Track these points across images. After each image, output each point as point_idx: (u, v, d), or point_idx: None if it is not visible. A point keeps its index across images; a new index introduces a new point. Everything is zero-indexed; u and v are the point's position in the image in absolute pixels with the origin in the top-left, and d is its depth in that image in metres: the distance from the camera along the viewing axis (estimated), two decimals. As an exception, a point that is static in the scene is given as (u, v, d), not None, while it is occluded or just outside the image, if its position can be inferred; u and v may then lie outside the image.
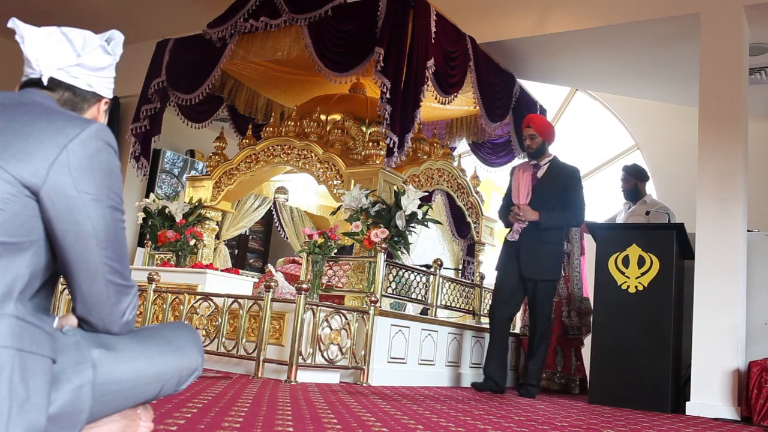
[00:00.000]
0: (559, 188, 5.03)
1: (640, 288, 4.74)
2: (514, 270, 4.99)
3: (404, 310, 5.56)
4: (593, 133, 8.76)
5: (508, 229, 5.19)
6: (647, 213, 5.69)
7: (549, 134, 5.18)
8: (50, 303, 1.38)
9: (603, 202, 7.93)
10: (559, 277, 5.14)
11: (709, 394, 4.58)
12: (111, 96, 1.52)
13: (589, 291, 6.06)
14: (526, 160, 5.34)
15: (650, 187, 7.80)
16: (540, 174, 5.11)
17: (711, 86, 5.08)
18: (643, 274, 4.75)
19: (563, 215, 4.98)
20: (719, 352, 4.62)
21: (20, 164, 1.19)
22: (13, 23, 1.39)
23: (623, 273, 4.80)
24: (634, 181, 6.06)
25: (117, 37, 1.50)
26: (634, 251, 4.80)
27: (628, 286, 4.77)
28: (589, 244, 5.70)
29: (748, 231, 4.97)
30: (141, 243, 7.81)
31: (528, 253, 4.96)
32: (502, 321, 5.03)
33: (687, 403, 4.65)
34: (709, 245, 4.80)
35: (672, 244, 4.73)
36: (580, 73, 7.03)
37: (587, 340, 5.95)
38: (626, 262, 4.81)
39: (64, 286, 4.80)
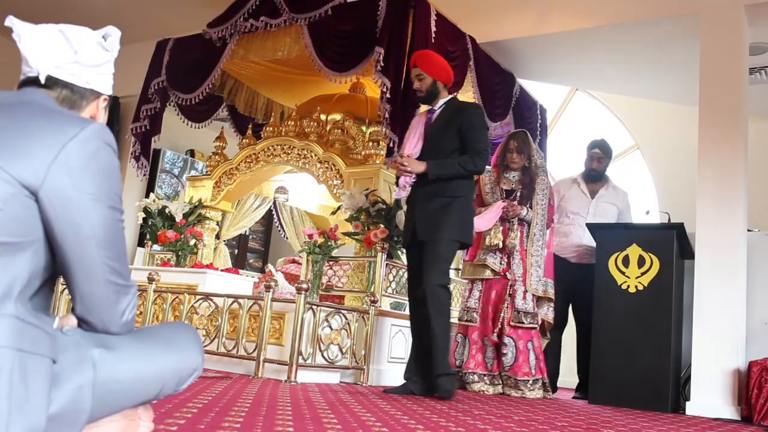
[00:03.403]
0: (453, 131, 4.09)
1: (641, 288, 4.74)
2: (414, 244, 4.10)
3: (404, 310, 5.55)
4: (593, 132, 8.74)
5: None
6: (647, 212, 5.67)
7: (440, 71, 4.20)
8: (50, 303, 1.37)
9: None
10: (465, 240, 4.12)
11: (709, 394, 4.58)
12: (110, 92, 1.51)
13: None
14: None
15: (648, 182, 7.79)
16: (434, 118, 4.22)
17: (711, 86, 5.07)
18: (643, 273, 4.74)
19: (455, 161, 4.02)
20: (719, 351, 4.61)
21: (19, 164, 1.19)
22: (10, 21, 1.38)
23: (623, 273, 4.80)
24: (608, 161, 5.73)
25: (114, 33, 1.49)
26: (634, 251, 4.80)
27: (629, 286, 4.77)
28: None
29: (748, 230, 4.97)
30: (141, 243, 7.80)
31: (421, 213, 4.06)
32: (419, 323, 4.06)
33: (687, 402, 4.65)
34: (709, 245, 4.80)
35: (672, 243, 4.73)
36: (580, 73, 7.03)
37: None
38: (626, 261, 4.80)
39: (64, 286, 4.79)
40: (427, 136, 4.18)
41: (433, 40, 5.23)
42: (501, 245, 4.84)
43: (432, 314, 3.87)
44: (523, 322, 4.76)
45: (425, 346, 3.97)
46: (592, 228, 5.17)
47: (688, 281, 4.92)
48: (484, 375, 4.81)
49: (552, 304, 5.01)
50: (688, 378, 4.75)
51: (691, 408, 4.58)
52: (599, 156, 5.64)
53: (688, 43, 5.62)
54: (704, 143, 5.01)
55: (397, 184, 4.20)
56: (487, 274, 4.88)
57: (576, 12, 5.94)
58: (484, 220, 4.85)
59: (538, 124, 6.94)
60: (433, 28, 5.26)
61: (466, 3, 6.38)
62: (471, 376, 4.79)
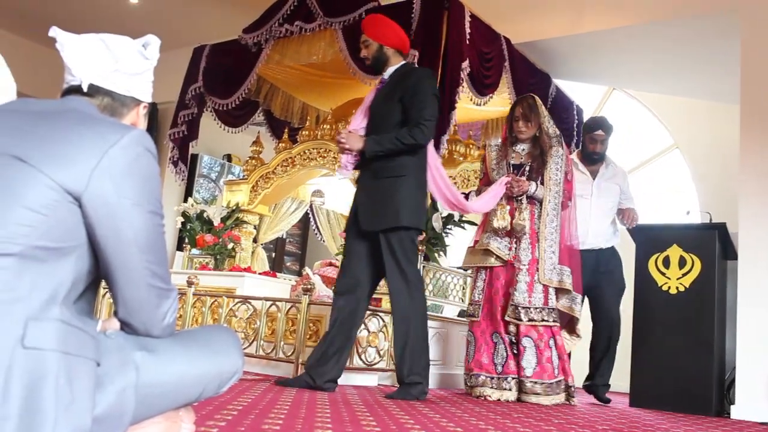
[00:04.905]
0: (396, 100, 3.64)
1: (682, 289, 4.66)
2: (355, 229, 3.67)
3: (441, 312, 5.54)
4: (631, 132, 8.63)
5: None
6: (688, 212, 5.56)
7: (387, 34, 3.81)
8: (93, 307, 1.40)
9: (641, 203, 7.79)
10: (413, 225, 3.57)
11: (755, 398, 4.48)
12: (150, 100, 1.54)
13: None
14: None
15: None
16: (382, 88, 3.82)
17: (753, 83, 4.98)
18: (684, 274, 4.67)
19: (393, 135, 3.54)
20: (764, 354, 4.51)
21: (63, 171, 1.21)
22: (54, 32, 1.42)
23: (664, 274, 4.73)
24: (608, 139, 5.07)
25: (153, 41, 1.52)
26: (674, 252, 4.72)
27: (669, 287, 4.70)
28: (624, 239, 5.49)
29: (793, 230, 4.87)
30: (180, 247, 7.90)
31: (362, 196, 3.65)
32: (342, 313, 3.64)
33: (732, 406, 4.55)
34: (753, 245, 4.70)
35: (714, 244, 4.64)
36: (617, 72, 6.95)
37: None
38: (667, 262, 4.73)
39: (106, 290, 4.87)
40: (371, 109, 3.78)
41: (467, 42, 5.21)
42: (509, 227, 4.26)
43: (411, 316, 3.54)
44: (521, 320, 4.12)
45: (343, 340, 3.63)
46: (632, 230, 5.07)
47: (731, 282, 4.83)
48: (490, 378, 4.16)
49: (578, 296, 4.42)
50: (733, 381, 4.66)
51: (736, 412, 4.49)
52: (603, 138, 5.01)
53: (728, 41, 5.52)
54: (746, 141, 4.91)
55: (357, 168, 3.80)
56: (492, 261, 4.27)
57: (612, 10, 5.87)
58: (483, 201, 4.31)
59: (575, 125, 6.87)
60: (468, 30, 5.23)
61: (501, 3, 6.34)
62: (475, 379, 4.21)
